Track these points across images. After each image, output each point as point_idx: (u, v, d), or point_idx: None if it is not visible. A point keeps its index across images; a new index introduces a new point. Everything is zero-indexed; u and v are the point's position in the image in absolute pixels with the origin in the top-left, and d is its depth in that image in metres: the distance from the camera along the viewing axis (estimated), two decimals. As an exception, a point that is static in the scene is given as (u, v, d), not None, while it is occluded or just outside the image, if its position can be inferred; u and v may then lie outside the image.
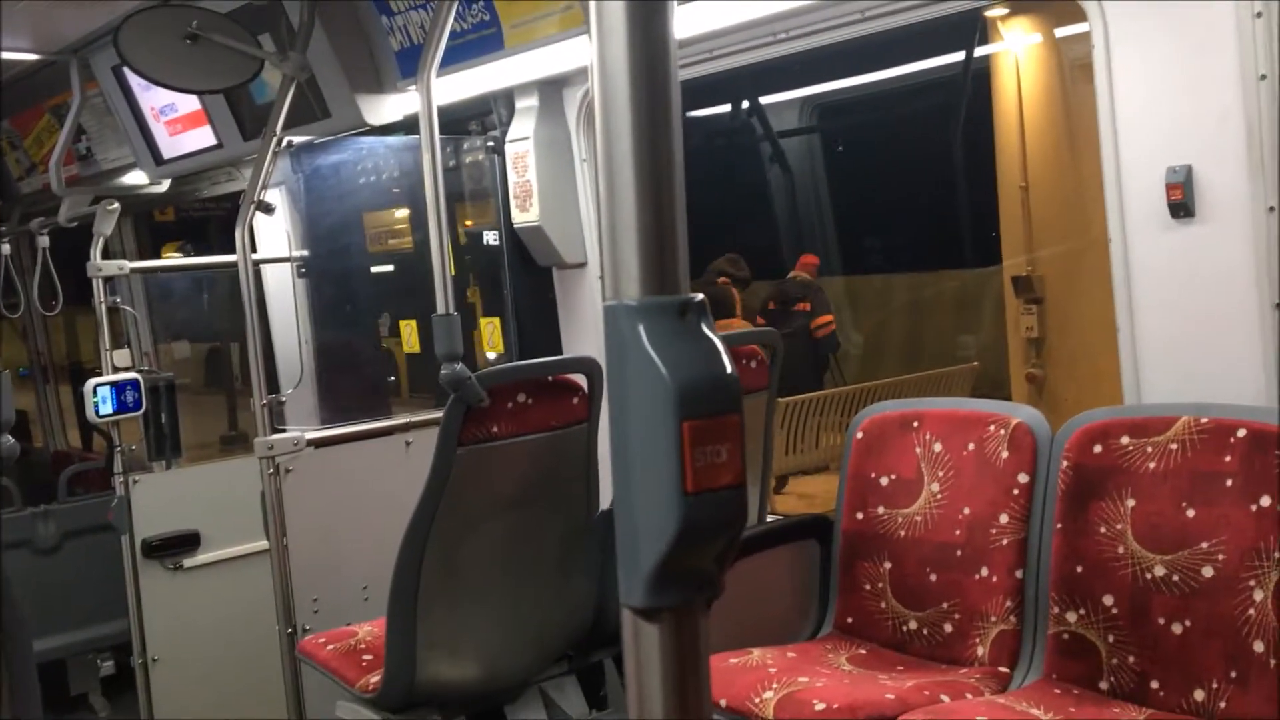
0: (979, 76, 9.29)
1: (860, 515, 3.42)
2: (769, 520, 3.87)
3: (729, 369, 1.00)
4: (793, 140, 12.63)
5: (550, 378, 3.30)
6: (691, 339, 0.97)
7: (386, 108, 4.34)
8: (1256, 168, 2.80)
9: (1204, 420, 2.79)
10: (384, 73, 4.26)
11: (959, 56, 10.50)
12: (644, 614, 0.96)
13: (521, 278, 4.57)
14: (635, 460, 0.96)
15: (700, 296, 0.98)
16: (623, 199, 0.96)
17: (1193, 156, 2.89)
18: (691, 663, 0.96)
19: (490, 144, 4.56)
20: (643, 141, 0.95)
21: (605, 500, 3.63)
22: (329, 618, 3.97)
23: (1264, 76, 2.78)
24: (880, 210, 12.52)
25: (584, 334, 4.51)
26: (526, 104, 4.38)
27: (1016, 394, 8.56)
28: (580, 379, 3.42)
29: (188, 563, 4.61)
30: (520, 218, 4.41)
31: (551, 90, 4.35)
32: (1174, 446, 2.81)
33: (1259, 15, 2.75)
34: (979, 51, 9.62)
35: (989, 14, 8.21)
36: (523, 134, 4.35)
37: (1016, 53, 8.21)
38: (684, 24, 3.74)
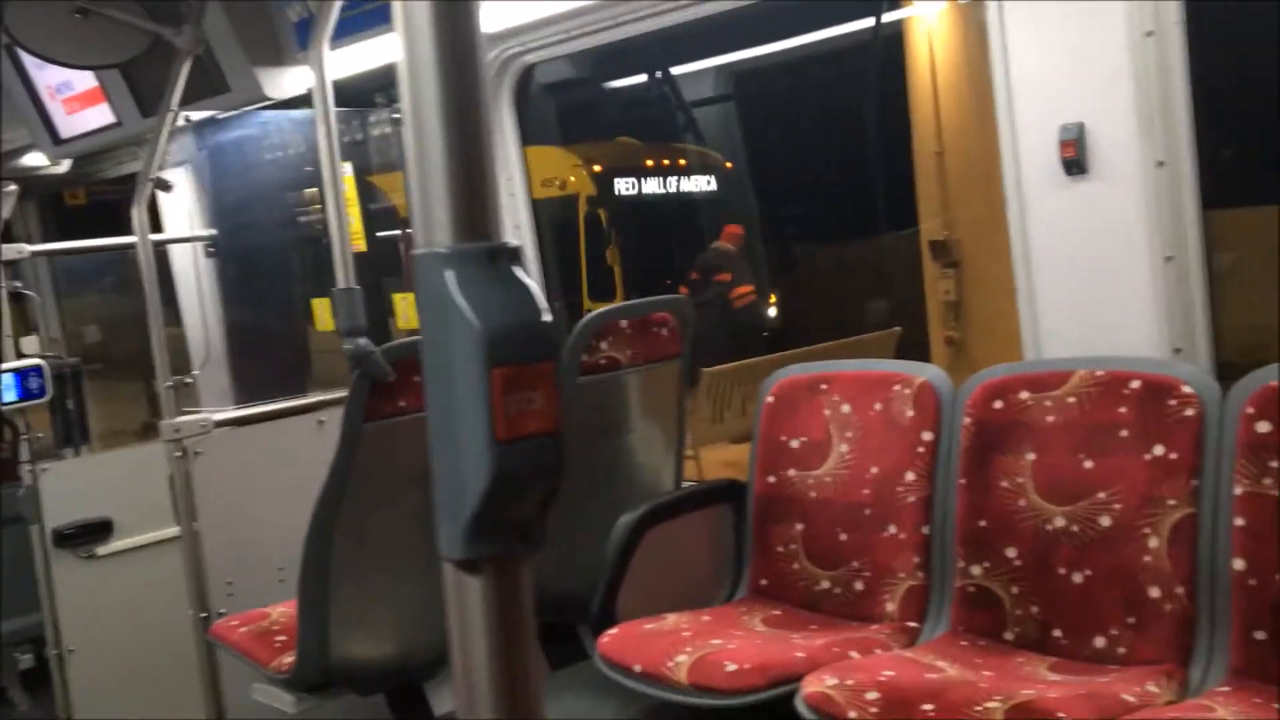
0: (894, 42, 9.35)
1: (772, 478, 3.45)
2: (684, 486, 3.88)
3: (543, 315, 0.98)
4: (711, 109, 12.68)
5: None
6: (502, 285, 0.96)
7: (287, 80, 4.24)
8: (1145, 124, 2.85)
9: (1099, 373, 2.84)
10: (284, 45, 4.16)
11: (880, 19, 10.59)
12: (464, 566, 0.96)
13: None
14: (448, 409, 0.95)
15: (515, 242, 0.97)
16: (430, 144, 0.94)
17: (1085, 114, 2.93)
18: (514, 615, 0.96)
19: (397, 116, 4.49)
20: (448, 82, 0.93)
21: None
22: (244, 601, 3.91)
23: (1150, 33, 2.83)
24: (799, 177, 12.62)
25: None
26: (432, 75, 4.31)
27: (936, 357, 8.67)
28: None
29: (101, 551, 4.51)
30: (430, 191, 4.35)
31: (456, 60, 4.29)
32: (1071, 400, 2.86)
33: (1143, -28, 2.80)
34: (894, 17, 9.70)
35: (900, -20, 8.29)
36: (429, 105, 4.29)
37: (928, 18, 8.29)
38: (587, -10, 3.71)
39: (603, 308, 3.80)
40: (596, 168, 13.24)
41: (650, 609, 3.23)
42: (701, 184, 13.86)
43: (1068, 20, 2.94)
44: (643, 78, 12.40)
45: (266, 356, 5.32)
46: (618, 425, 3.70)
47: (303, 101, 4.55)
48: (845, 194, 12.36)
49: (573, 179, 12.65)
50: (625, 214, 13.07)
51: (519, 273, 0.98)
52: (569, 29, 3.96)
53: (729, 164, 13.41)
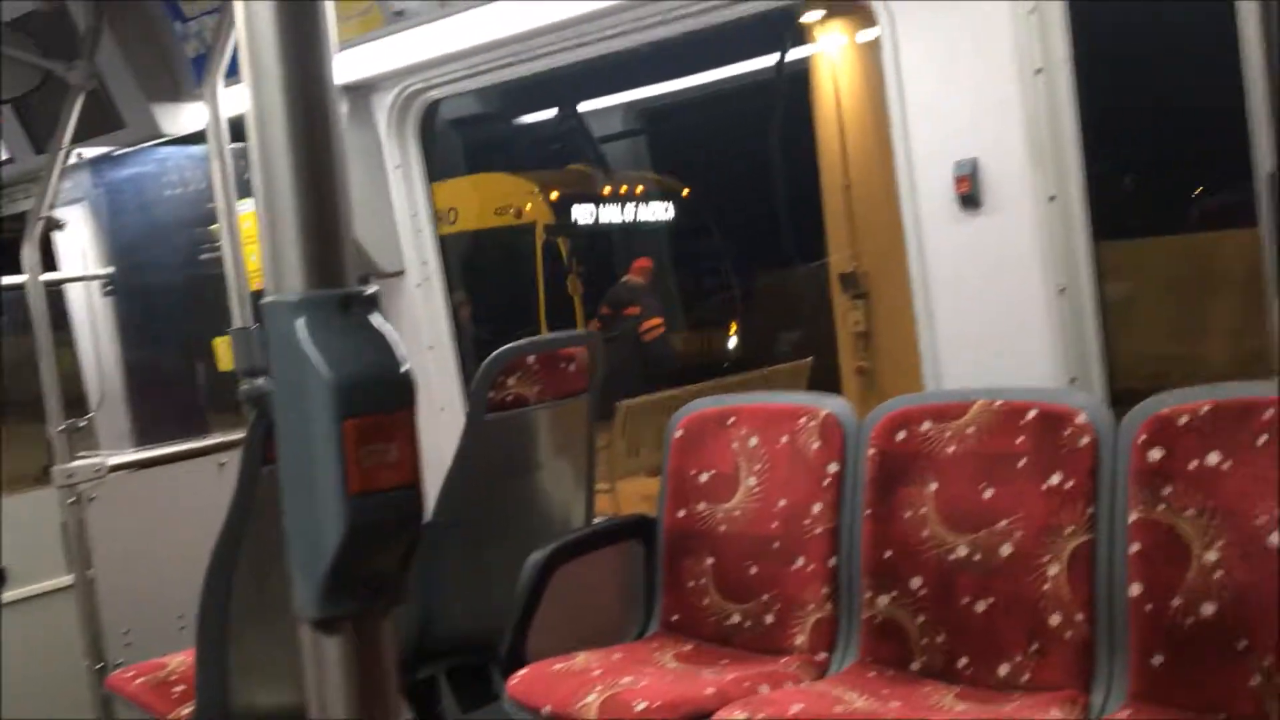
0: (800, 78, 9.50)
1: (682, 513, 3.44)
2: (594, 522, 3.86)
3: (400, 364, 0.96)
4: (620, 144, 12.75)
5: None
6: (355, 333, 0.93)
7: (184, 116, 4.18)
8: (1036, 158, 2.92)
9: (997, 403, 2.89)
10: (180, 80, 4.10)
11: (786, 58, 10.77)
12: (320, 625, 0.92)
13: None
14: (301, 462, 0.92)
15: (371, 289, 0.95)
16: (280, 188, 0.92)
17: (978, 150, 3.00)
18: (375, 675, 0.92)
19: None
20: (298, 125, 0.91)
21: (427, 511, 3.56)
22: (143, 651, 3.79)
23: (1039, 71, 2.90)
24: (710, 211, 12.75)
25: (405, 344, 4.42)
26: (335, 111, 4.26)
27: (847, 387, 8.77)
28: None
29: (-4, 600, 4.34)
30: (333, 227, 4.29)
31: (360, 96, 4.26)
32: (971, 430, 2.90)
33: (1032, 11, 2.88)
34: (800, 54, 9.86)
35: (804, 19, 8.43)
36: (333, 141, 4.24)
37: (832, 55, 8.44)
38: (493, 26, 3.71)
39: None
40: (554, 195, 13.02)
41: (561, 647, 3.19)
42: (659, 212, 13.72)
43: (961, 58, 3.01)
44: (552, 113, 12.42)
45: (166, 397, 5.18)
46: (526, 463, 3.67)
47: (201, 137, 4.48)
48: (754, 227, 12.50)
49: (529, 206, 12.45)
50: (585, 243, 12.96)
51: (375, 320, 0.95)
52: (473, 65, 3.95)
53: (685, 191, 13.36)
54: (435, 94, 4.23)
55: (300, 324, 0.91)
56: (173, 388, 5.25)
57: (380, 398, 0.93)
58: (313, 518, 0.91)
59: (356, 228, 4.24)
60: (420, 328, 4.43)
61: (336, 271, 0.92)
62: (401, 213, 4.34)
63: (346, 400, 0.91)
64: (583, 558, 3.38)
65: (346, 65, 3.91)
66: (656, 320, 10.97)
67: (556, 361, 3.66)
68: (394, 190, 4.32)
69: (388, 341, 0.95)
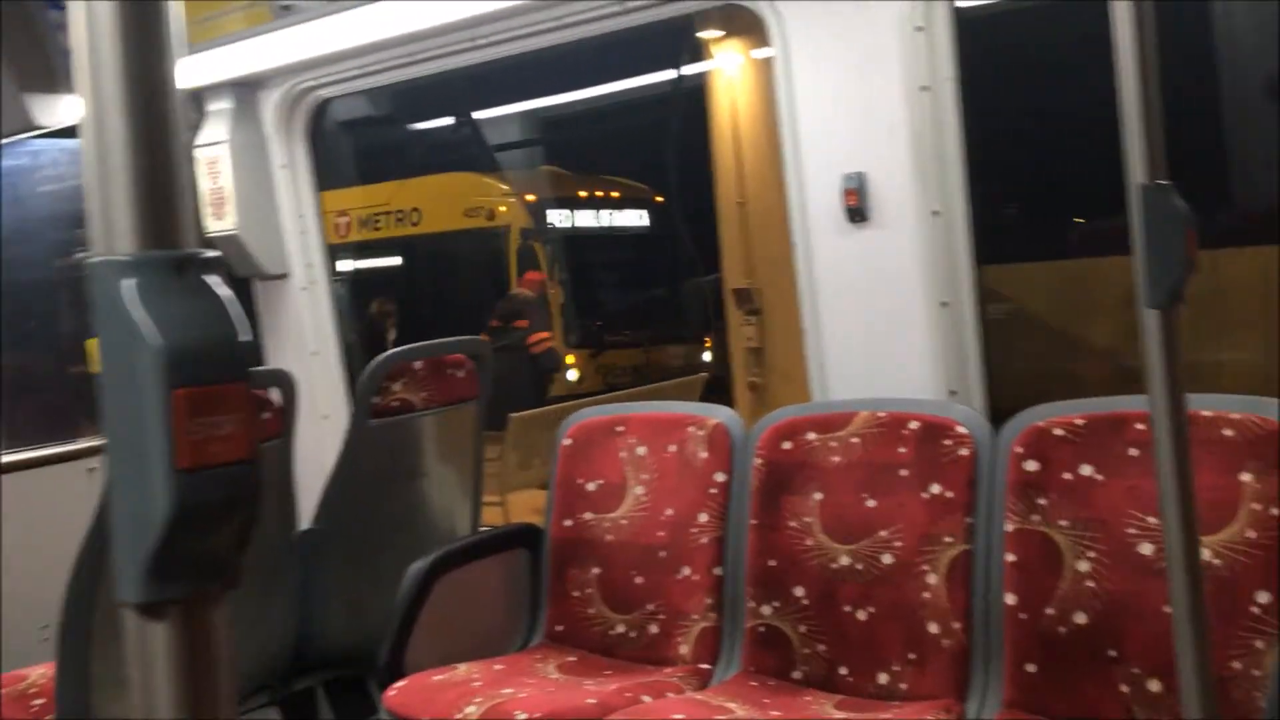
0: (698, 93, 9.57)
1: (569, 522, 3.41)
2: (480, 531, 3.81)
3: (238, 332, 0.91)
4: (518, 153, 12.69)
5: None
6: (189, 298, 0.88)
7: (62, 108, 4.01)
8: (921, 174, 2.97)
9: (881, 414, 2.92)
10: (57, 71, 3.94)
11: (684, 72, 10.84)
12: (145, 610, 0.87)
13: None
14: (126, 435, 0.87)
15: (211, 252, 0.90)
16: (110, 140, 0.86)
17: (866, 164, 3.04)
18: (205, 666, 0.88)
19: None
20: (130, 71, 0.85)
21: (305, 518, 3.48)
22: (3, 663, 3.62)
23: (926, 88, 2.95)
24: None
25: (287, 348, 4.32)
26: (220, 106, 4.16)
27: (740, 402, 8.84)
28: (274, 392, 3.26)
29: None
30: (214, 226, 4.18)
31: (246, 93, 4.15)
32: (855, 440, 2.93)
33: (920, 29, 2.92)
34: (698, 69, 9.93)
35: (702, 35, 8.50)
36: (216, 138, 4.13)
37: (729, 72, 8.52)
38: (385, 25, 3.65)
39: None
40: (530, 197, 12.60)
41: (442, 659, 3.13)
42: (634, 219, 13.38)
43: (851, 76, 3.04)
44: (448, 119, 12.29)
45: (35, 399, 4.98)
46: (411, 469, 3.61)
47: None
48: (649, 240, 12.54)
49: (503, 209, 12.10)
50: (562, 248, 12.58)
51: (213, 284, 0.90)
52: (365, 64, 3.88)
53: (659, 198, 13.23)
54: (325, 93, 4.15)
55: (128, 286, 0.86)
56: (42, 390, 5.05)
57: (214, 367, 0.88)
58: (138, 494, 0.85)
59: (239, 227, 4.14)
60: (305, 332, 4.33)
61: (172, 232, 0.87)
62: (287, 213, 4.24)
63: (176, 368, 0.85)
64: (467, 567, 3.33)
65: (235, 60, 3.81)
66: (545, 334, 10.95)
67: (444, 368, 3.61)
68: (280, 190, 4.22)
69: (225, 308, 0.90)
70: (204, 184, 4.17)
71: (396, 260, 13.13)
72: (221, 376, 0.87)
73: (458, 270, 12.29)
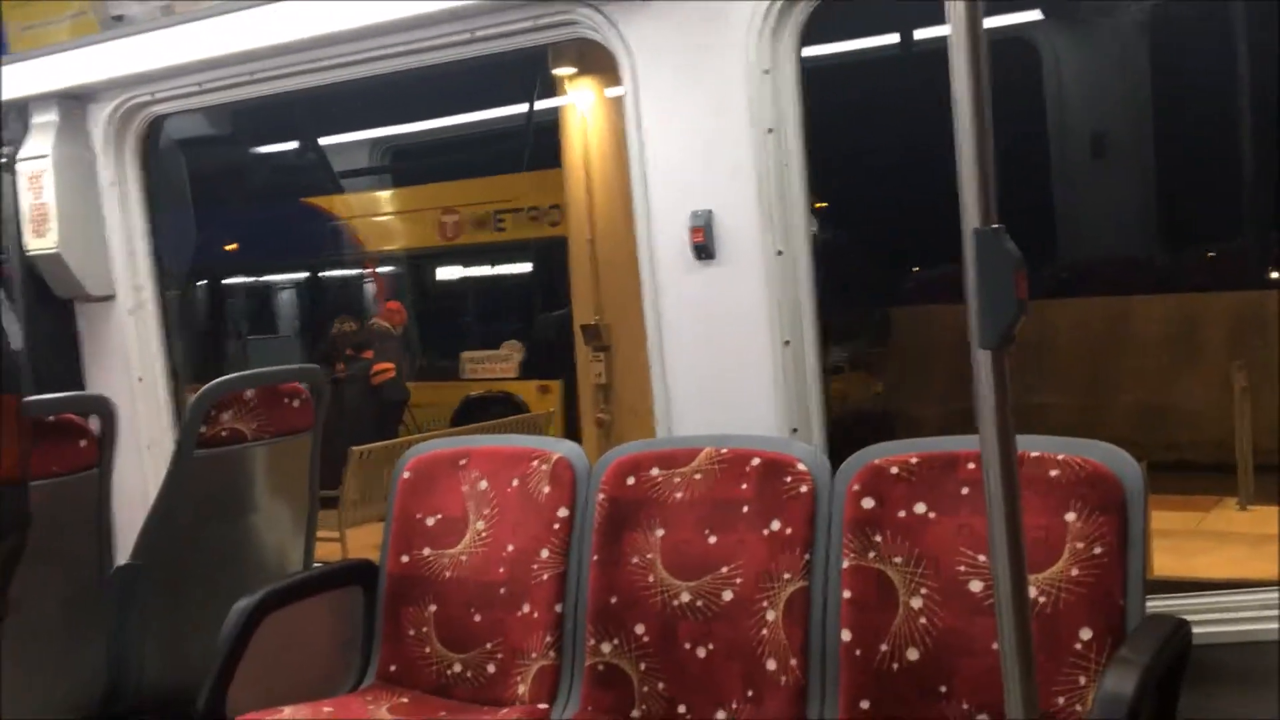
0: (549, 129, 9.58)
1: (406, 558, 3.31)
2: (312, 568, 3.67)
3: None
4: (363, 179, 12.49)
5: (51, 418, 2.95)
6: None
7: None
8: (766, 214, 3.01)
9: (724, 450, 2.93)
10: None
11: (541, 106, 10.82)
12: None
13: (38, 310, 4.10)
14: None
15: None
16: None
17: (713, 203, 3.06)
18: None
19: (1, 161, 4.07)
20: None
21: (122, 554, 3.29)
22: None
23: (771, 130, 3.00)
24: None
25: (111, 373, 4.11)
26: (44, 119, 3.96)
27: (587, 438, 8.83)
28: (92, 420, 3.09)
29: None
30: (35, 244, 3.97)
31: (74, 106, 3.96)
32: (698, 476, 2.93)
33: (766, 72, 2.97)
34: (550, 104, 9.94)
35: (556, 72, 8.54)
36: (39, 152, 3.93)
37: (582, 108, 8.57)
38: (223, 41, 3.54)
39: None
40: None
41: (268, 701, 2.99)
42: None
43: (699, 114, 3.07)
44: (292, 144, 12.01)
45: None
46: (240, 503, 3.46)
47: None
48: (506, 274, 12.48)
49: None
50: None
51: None
52: (202, 81, 3.74)
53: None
54: (159, 109, 3.98)
55: None
56: None
57: None
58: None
59: (61, 246, 3.93)
60: (131, 357, 4.13)
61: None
62: (115, 233, 4.05)
63: None
64: (296, 605, 3.19)
65: (61, 71, 3.63)
66: (387, 365, 10.75)
67: (278, 397, 3.48)
68: (107, 209, 4.03)
69: None
70: (25, 200, 3.95)
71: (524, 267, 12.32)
72: None
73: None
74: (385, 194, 12.51)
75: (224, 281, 13.73)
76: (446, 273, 12.64)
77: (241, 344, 13.61)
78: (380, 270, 12.88)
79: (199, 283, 12.97)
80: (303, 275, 13.49)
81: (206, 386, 3.27)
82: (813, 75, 3.12)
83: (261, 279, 13.78)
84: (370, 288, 12.90)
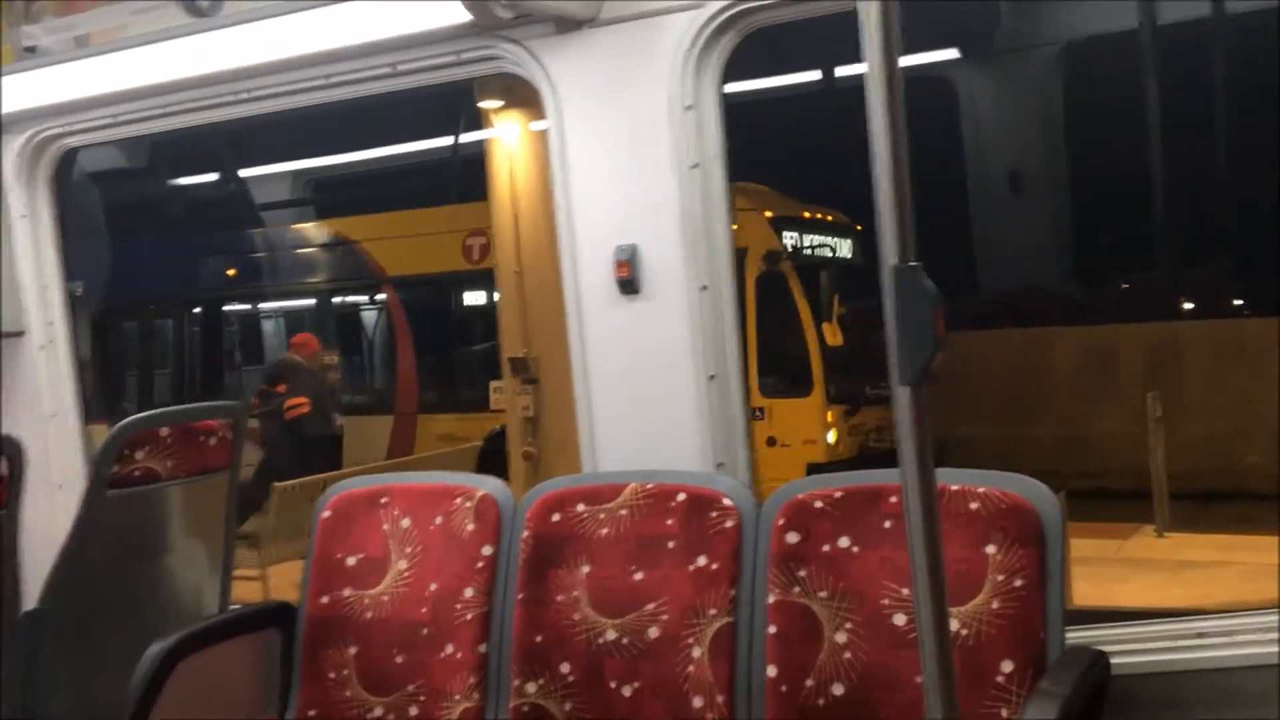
0: (476, 161, 9.55)
1: (325, 599, 3.24)
2: (230, 610, 3.58)
3: None
4: (286, 211, 12.35)
5: (-47, 460, 2.85)
6: None
7: None
8: (690, 249, 3.01)
9: (649, 486, 2.92)
10: None
11: (465, 138, 10.82)
12: None
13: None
14: None
15: None
16: None
17: (638, 237, 3.07)
18: None
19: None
20: None
21: (31, 598, 3.19)
22: None
23: (695, 165, 3.01)
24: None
25: (23, 412, 3.99)
26: (-49, 149, 3.85)
27: (514, 471, 8.76)
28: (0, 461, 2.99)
29: None
30: (-61, 278, 3.85)
31: (-17, 136, 3.86)
32: (624, 512, 2.91)
33: (689, 108, 2.99)
34: (477, 137, 9.93)
35: (482, 105, 8.52)
36: (-55, 183, 3.82)
37: (509, 141, 8.56)
38: (138, 73, 3.47)
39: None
40: (768, 213, 10.36)
41: (183, 748, 2.90)
42: (844, 248, 11.45)
43: (623, 149, 3.08)
44: (212, 176, 11.86)
45: None
46: (153, 544, 3.37)
47: None
48: (428, 307, 12.40)
49: (737, 226, 10.32)
50: (806, 278, 10.28)
51: None
52: (116, 114, 3.67)
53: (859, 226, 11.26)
54: (73, 141, 3.90)
55: None
56: None
57: None
58: None
59: (-33, 279, 3.81)
60: (42, 394, 4.01)
61: None
62: (25, 267, 3.94)
63: None
64: (212, 648, 3.11)
65: (-32, 100, 3.54)
66: (302, 399, 10.60)
67: (194, 435, 3.40)
68: (18, 242, 3.92)
69: None
70: (-71, 232, 3.84)
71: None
72: None
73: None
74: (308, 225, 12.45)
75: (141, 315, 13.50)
76: (473, 297, 12.21)
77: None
78: (287, 304, 12.69)
79: (114, 318, 12.73)
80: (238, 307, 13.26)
81: (120, 424, 3.18)
82: (736, 111, 3.15)
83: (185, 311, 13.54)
84: (273, 323, 12.71)
